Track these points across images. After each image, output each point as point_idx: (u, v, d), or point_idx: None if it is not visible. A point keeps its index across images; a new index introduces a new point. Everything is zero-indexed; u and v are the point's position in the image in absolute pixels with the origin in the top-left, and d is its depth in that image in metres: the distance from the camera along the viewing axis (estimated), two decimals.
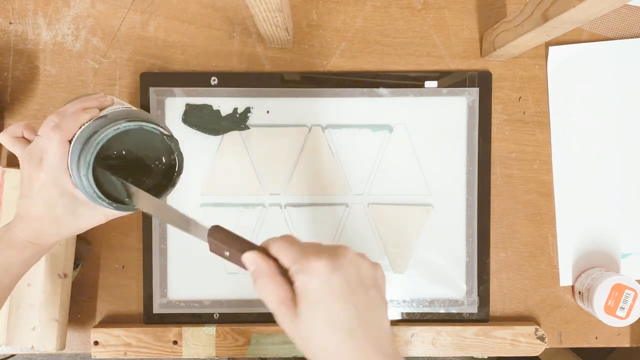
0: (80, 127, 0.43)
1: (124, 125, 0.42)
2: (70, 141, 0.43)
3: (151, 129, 0.44)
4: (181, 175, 0.46)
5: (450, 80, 0.62)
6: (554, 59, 0.63)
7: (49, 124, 0.43)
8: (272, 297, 0.34)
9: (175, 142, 0.45)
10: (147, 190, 0.45)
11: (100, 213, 0.47)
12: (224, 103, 0.62)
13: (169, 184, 0.47)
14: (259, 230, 0.62)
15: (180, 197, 0.62)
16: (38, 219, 0.44)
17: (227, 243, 0.38)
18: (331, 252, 0.34)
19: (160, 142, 0.46)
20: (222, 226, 0.39)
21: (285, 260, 0.35)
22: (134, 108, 0.47)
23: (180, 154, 0.46)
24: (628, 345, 0.64)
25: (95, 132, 0.42)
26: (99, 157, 0.43)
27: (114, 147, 0.45)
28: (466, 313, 0.63)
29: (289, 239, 0.36)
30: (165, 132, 0.44)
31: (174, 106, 0.62)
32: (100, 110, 0.45)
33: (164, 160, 0.47)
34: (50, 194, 0.43)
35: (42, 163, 0.43)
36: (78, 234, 0.46)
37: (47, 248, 0.47)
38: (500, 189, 0.63)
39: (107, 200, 0.43)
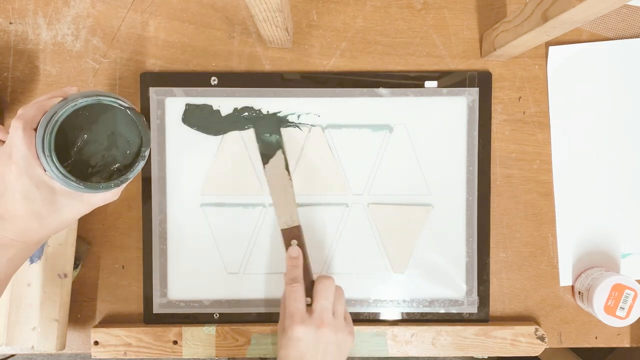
0: (44, 113, 0.44)
1: (80, 102, 0.43)
2: (35, 129, 0.43)
3: (109, 102, 0.44)
4: (149, 148, 0.46)
5: (450, 80, 0.62)
6: (554, 59, 0.63)
7: (16, 117, 0.43)
8: (296, 304, 0.52)
9: (138, 114, 0.45)
10: (120, 170, 0.46)
11: (82, 202, 0.46)
12: (224, 103, 0.62)
13: (138, 158, 0.46)
14: (259, 230, 0.62)
15: (180, 196, 0.62)
16: (18, 215, 0.43)
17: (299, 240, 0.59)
18: (318, 324, 0.51)
19: (125, 118, 0.46)
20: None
21: (298, 300, 0.54)
22: (98, 90, 0.47)
23: (144, 127, 0.45)
24: (628, 345, 0.64)
25: (54, 113, 0.43)
26: (69, 143, 0.43)
27: (78, 128, 0.45)
28: (466, 313, 0.63)
29: (327, 289, 0.54)
30: (125, 105, 0.45)
31: (174, 106, 0.62)
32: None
33: (135, 139, 0.47)
34: (24, 187, 0.42)
35: (11, 156, 0.42)
36: (64, 227, 0.46)
37: (34, 245, 0.46)
38: (500, 189, 0.63)
39: (74, 179, 0.43)
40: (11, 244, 0.44)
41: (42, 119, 0.43)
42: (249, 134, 0.62)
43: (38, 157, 0.43)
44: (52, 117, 0.43)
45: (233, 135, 0.62)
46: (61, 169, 0.43)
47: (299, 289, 0.54)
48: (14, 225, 0.44)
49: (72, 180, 0.43)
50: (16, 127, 0.42)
